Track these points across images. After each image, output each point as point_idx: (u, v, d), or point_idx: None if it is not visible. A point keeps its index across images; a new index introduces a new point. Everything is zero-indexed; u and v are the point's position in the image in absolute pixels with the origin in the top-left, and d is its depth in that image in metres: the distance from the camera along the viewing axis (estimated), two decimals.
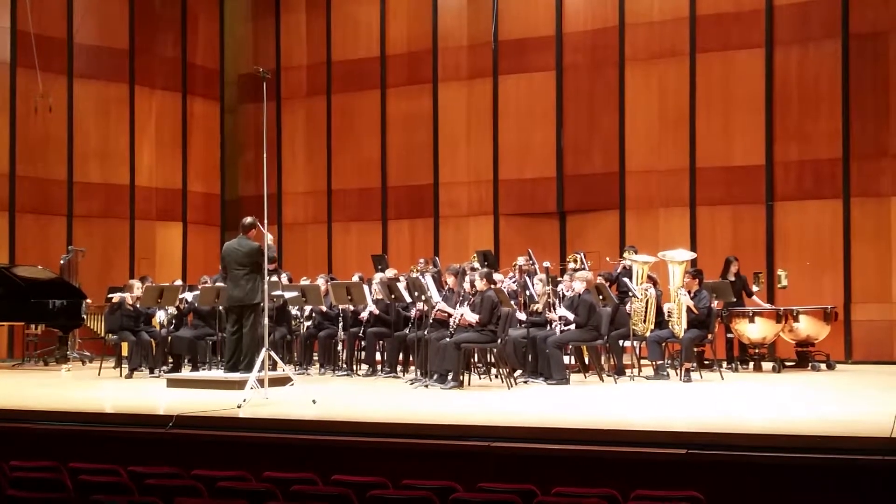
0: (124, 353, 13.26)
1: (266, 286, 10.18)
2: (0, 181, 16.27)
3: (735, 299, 13.19)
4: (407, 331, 12.40)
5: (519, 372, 11.59)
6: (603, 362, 12.14)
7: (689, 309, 11.65)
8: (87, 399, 10.36)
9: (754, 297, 13.60)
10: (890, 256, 14.55)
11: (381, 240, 18.18)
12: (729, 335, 13.36)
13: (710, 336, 11.94)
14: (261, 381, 9.68)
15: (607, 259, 14.25)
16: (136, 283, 13.39)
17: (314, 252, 18.76)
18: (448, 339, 10.76)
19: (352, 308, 12.88)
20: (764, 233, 15.32)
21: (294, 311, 13.37)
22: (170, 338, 12.97)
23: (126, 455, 7.41)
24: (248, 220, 11.04)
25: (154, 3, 18.51)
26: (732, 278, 13.40)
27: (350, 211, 18.60)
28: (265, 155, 10.84)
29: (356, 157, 18.54)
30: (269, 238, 10.71)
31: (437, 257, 15.82)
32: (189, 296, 13.20)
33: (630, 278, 12.58)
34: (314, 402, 9.17)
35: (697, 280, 11.91)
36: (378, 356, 12.88)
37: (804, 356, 13.02)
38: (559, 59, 16.86)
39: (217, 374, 11.29)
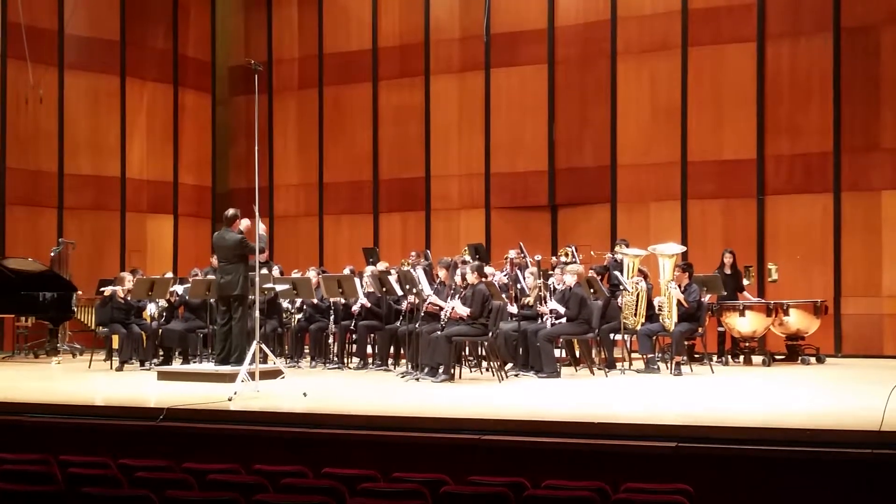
0: (115, 345, 13.25)
1: (258, 279, 10.17)
2: None
3: (726, 293, 13.23)
4: (398, 324, 12.40)
5: (510, 365, 11.60)
6: (594, 356, 12.15)
7: (679, 302, 11.68)
8: (78, 392, 10.35)
9: (745, 293, 13.65)
10: (880, 250, 14.59)
11: (373, 233, 18.17)
12: (720, 329, 13.39)
13: (700, 329, 11.98)
14: (252, 374, 9.68)
15: (592, 253, 14.25)
16: (127, 276, 13.37)
17: (305, 245, 18.75)
18: (439, 333, 10.76)
19: (343, 301, 12.87)
20: (755, 226, 15.34)
21: (285, 303, 13.35)
22: (160, 330, 12.94)
23: (116, 448, 7.41)
24: (231, 211, 11.11)
25: None
26: (729, 271, 13.44)
27: (341, 204, 18.59)
28: (257, 147, 10.84)
29: (348, 150, 18.53)
30: (262, 228, 10.70)
31: (429, 250, 15.80)
32: (180, 288, 13.18)
33: (621, 272, 12.60)
34: (305, 395, 9.19)
35: (687, 274, 11.95)
36: (369, 349, 12.88)
37: (794, 350, 13.06)
38: (551, 53, 16.85)
39: (208, 366, 11.28)
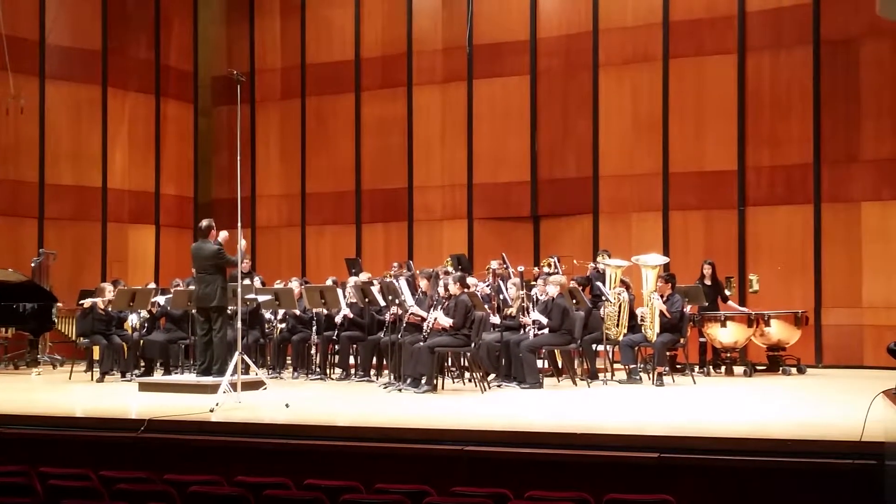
0: (96, 356, 13.17)
1: (240, 289, 10.14)
2: None
3: (707, 303, 13.27)
4: (381, 335, 12.38)
5: (492, 376, 11.59)
6: (576, 366, 12.17)
7: (661, 313, 11.71)
8: (58, 403, 10.29)
9: (729, 302, 13.70)
10: (860, 261, 14.67)
11: (355, 243, 18.15)
12: (701, 339, 13.43)
13: (682, 340, 12.01)
14: (233, 385, 9.65)
15: (574, 262, 14.30)
16: (108, 287, 13.30)
17: (288, 255, 18.71)
18: (422, 343, 10.76)
19: (325, 312, 12.85)
20: (736, 237, 15.41)
21: (267, 314, 13.32)
22: (142, 341, 12.89)
23: (97, 459, 7.37)
24: (205, 223, 11.14)
25: (127, 5, 18.36)
26: (708, 282, 13.48)
27: (324, 214, 18.57)
28: (239, 158, 10.81)
29: (330, 161, 18.52)
30: (242, 244, 10.66)
31: (411, 261, 15.80)
32: (161, 299, 13.13)
33: (603, 282, 12.62)
34: (287, 406, 9.15)
35: (670, 284, 11.98)
36: (352, 360, 12.85)
37: (775, 360, 13.11)
38: (533, 64, 16.91)
39: (189, 377, 11.23)
